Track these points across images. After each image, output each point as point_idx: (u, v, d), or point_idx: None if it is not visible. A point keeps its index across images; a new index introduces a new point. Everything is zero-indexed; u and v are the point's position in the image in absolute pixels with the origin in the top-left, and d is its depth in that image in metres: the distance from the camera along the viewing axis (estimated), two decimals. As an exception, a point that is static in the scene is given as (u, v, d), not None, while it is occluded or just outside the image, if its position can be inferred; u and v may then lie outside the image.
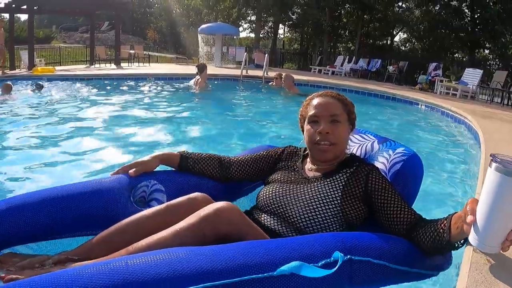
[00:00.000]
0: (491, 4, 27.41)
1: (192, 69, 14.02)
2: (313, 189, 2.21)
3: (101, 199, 2.28)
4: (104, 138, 6.19)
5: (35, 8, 20.00)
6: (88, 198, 2.25)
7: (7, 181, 4.20)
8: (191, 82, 12.35)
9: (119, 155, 5.27)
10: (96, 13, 25.27)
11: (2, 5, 21.23)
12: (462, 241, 1.81)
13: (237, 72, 16.41)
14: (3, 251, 2.05)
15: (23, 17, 35.96)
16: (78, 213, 2.20)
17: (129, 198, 2.39)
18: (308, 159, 2.45)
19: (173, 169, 2.63)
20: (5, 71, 16.51)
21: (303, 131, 2.44)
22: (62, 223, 2.17)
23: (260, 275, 1.63)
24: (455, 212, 1.84)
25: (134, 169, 2.47)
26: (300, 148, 2.59)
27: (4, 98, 10.05)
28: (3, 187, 4.00)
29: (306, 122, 2.36)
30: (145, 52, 25.59)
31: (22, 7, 19.96)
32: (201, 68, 11.78)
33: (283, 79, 11.80)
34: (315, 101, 2.36)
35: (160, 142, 6.00)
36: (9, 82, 11.16)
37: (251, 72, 16.88)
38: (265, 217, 2.24)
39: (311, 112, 2.33)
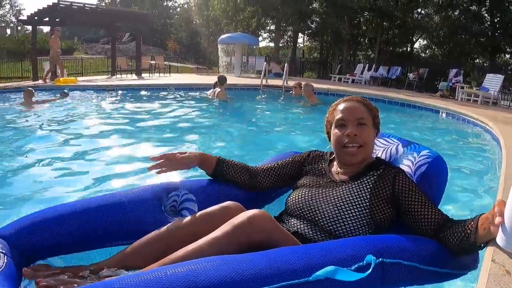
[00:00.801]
0: (511, 7, 27.17)
1: (212, 79, 14.09)
2: (341, 192, 2.24)
3: (133, 209, 2.33)
4: (126, 148, 6.28)
5: (57, 20, 20.26)
6: (120, 209, 2.30)
7: (36, 193, 4.27)
8: (209, 93, 12.45)
9: (141, 165, 5.31)
10: (116, 25, 25.50)
11: (25, 17, 21.62)
12: (486, 242, 1.83)
13: (257, 81, 16.42)
14: (37, 262, 2.09)
15: (46, 29, 36.37)
16: (110, 224, 2.26)
17: (160, 208, 2.43)
18: (335, 163, 2.48)
19: (203, 176, 2.68)
20: (57, 79, 16.98)
21: (329, 137, 2.48)
22: (95, 234, 2.23)
23: (296, 280, 1.66)
24: (482, 213, 1.86)
25: (178, 157, 2.54)
26: (326, 152, 2.62)
27: (29, 108, 10.26)
28: (33, 199, 4.07)
29: (333, 127, 2.40)
30: (165, 63, 25.68)
31: (44, 19, 20.29)
32: (222, 80, 11.88)
33: (302, 88, 11.83)
34: (341, 106, 2.41)
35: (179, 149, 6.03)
36: (30, 88, 11.38)
37: (271, 82, 16.89)
38: (295, 222, 2.27)
39: (338, 116, 2.37)
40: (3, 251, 1.90)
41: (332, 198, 2.23)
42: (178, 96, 13.81)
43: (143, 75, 21.91)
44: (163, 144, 6.55)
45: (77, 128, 7.91)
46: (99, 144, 6.47)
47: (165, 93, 14.49)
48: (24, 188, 4.44)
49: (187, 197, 2.53)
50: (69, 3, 19.29)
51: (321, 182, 2.40)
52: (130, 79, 19.73)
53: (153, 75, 22.10)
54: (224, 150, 6.24)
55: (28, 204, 3.86)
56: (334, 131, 2.38)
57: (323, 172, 2.48)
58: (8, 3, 66.29)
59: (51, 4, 19.00)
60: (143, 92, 14.59)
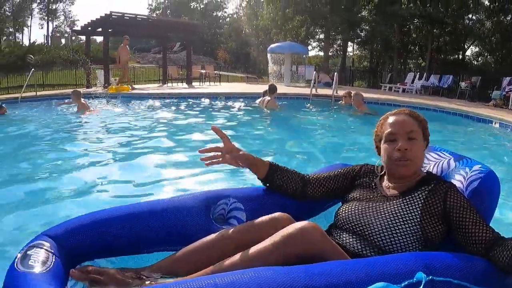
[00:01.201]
0: None
1: (261, 88, 14.14)
2: (392, 207, 2.21)
3: (181, 216, 2.36)
4: (173, 155, 6.37)
5: (109, 30, 20.86)
6: (169, 215, 2.34)
7: (85, 195, 4.40)
8: (258, 102, 12.51)
9: (190, 172, 5.34)
10: (167, 35, 25.96)
11: (79, 28, 22.43)
12: None
13: (306, 91, 16.41)
14: (83, 263, 2.15)
15: (99, 39, 37.47)
16: (159, 229, 2.30)
17: (209, 216, 2.45)
18: (386, 177, 2.44)
19: (252, 184, 2.68)
20: (110, 86, 17.58)
21: (378, 151, 2.45)
22: (143, 239, 2.28)
23: None
24: None
25: (224, 154, 2.49)
26: (377, 167, 2.56)
27: (82, 110, 10.60)
28: (81, 201, 4.18)
29: (382, 141, 2.37)
30: (215, 72, 26.01)
31: (98, 29, 20.99)
32: (272, 89, 11.88)
33: (352, 97, 11.74)
34: (391, 120, 2.37)
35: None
36: (79, 90, 11.69)
37: (321, 91, 16.85)
38: (344, 236, 2.25)
39: (388, 130, 2.33)
40: (52, 251, 1.96)
41: (382, 213, 2.20)
42: (227, 104, 13.94)
43: (193, 83, 22.24)
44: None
45: (127, 135, 8.12)
46: (147, 151, 6.61)
47: (215, 101, 14.65)
48: (73, 190, 4.58)
49: (235, 205, 2.55)
50: (121, 14, 19.82)
51: (371, 196, 2.37)
52: (180, 87, 20.10)
53: (203, 84, 22.44)
54: (272, 160, 6.17)
55: (76, 206, 3.97)
56: (384, 146, 2.35)
57: (374, 186, 2.45)
58: (63, 14, 68.45)
59: (103, 15, 19.55)
60: (193, 101, 14.81)
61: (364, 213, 2.24)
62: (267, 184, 2.64)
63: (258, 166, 2.59)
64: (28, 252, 1.90)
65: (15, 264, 1.82)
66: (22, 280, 1.73)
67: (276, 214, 2.21)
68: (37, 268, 1.80)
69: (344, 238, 2.23)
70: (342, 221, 2.31)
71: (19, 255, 1.89)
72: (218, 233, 2.20)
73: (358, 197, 2.40)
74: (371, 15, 33.86)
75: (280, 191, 2.62)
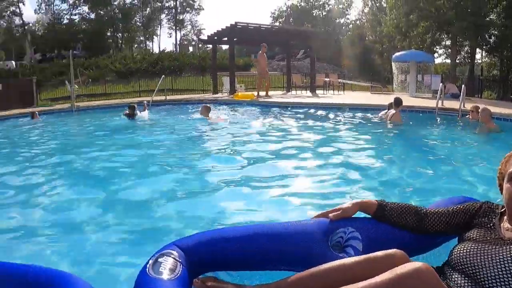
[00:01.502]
0: None
1: (386, 99, 13.92)
2: (508, 252, 2.10)
3: (302, 240, 2.48)
4: (299, 168, 6.33)
5: (235, 39, 21.65)
6: (290, 238, 2.47)
7: (213, 210, 4.53)
8: (381, 114, 12.35)
9: (313, 191, 5.28)
10: (290, 43, 26.34)
11: (205, 37, 23.56)
12: None
13: (432, 103, 15.83)
14: (206, 274, 2.36)
15: (224, 46, 38.77)
16: (279, 250, 2.44)
17: (326, 242, 2.54)
18: (505, 217, 2.33)
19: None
20: (236, 93, 18.27)
21: (501, 190, 2.37)
22: (262, 257, 2.43)
23: None
24: None
25: (334, 214, 2.65)
26: (498, 205, 2.47)
27: (211, 120, 11.06)
28: (209, 216, 4.34)
29: (505, 180, 2.28)
30: (339, 80, 26.01)
31: (223, 39, 21.89)
32: (398, 103, 11.55)
33: (479, 113, 11.12)
34: None
35: (349, 176, 5.97)
36: (208, 105, 12.19)
37: (447, 103, 16.17)
38: (455, 276, 2.19)
39: (511, 169, 2.26)
40: (179, 260, 2.17)
41: (496, 257, 2.11)
42: (351, 116, 13.95)
43: (317, 91, 22.37)
44: (333, 168, 6.43)
45: (251, 144, 8.40)
46: (271, 164, 6.69)
47: (339, 113, 14.69)
48: (201, 204, 4.79)
49: (353, 235, 2.60)
50: (245, 24, 20.60)
51: (488, 238, 2.28)
52: (304, 95, 20.37)
53: (327, 92, 22.46)
54: (391, 179, 6.06)
55: (204, 221, 4.19)
56: (506, 185, 2.26)
57: (492, 226, 2.36)
58: (190, 23, 72.01)
59: (229, 25, 20.34)
60: (317, 111, 15.02)
61: (478, 256, 2.17)
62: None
63: (369, 207, 2.72)
64: (159, 259, 2.11)
65: (147, 269, 2.04)
66: (153, 285, 1.94)
67: (392, 250, 2.21)
68: (166, 275, 2.01)
69: (455, 279, 2.19)
70: (455, 261, 2.25)
71: (150, 261, 2.10)
72: (334, 262, 2.24)
73: (474, 238, 2.33)
74: (500, 18, 31.94)
75: (394, 226, 2.67)
